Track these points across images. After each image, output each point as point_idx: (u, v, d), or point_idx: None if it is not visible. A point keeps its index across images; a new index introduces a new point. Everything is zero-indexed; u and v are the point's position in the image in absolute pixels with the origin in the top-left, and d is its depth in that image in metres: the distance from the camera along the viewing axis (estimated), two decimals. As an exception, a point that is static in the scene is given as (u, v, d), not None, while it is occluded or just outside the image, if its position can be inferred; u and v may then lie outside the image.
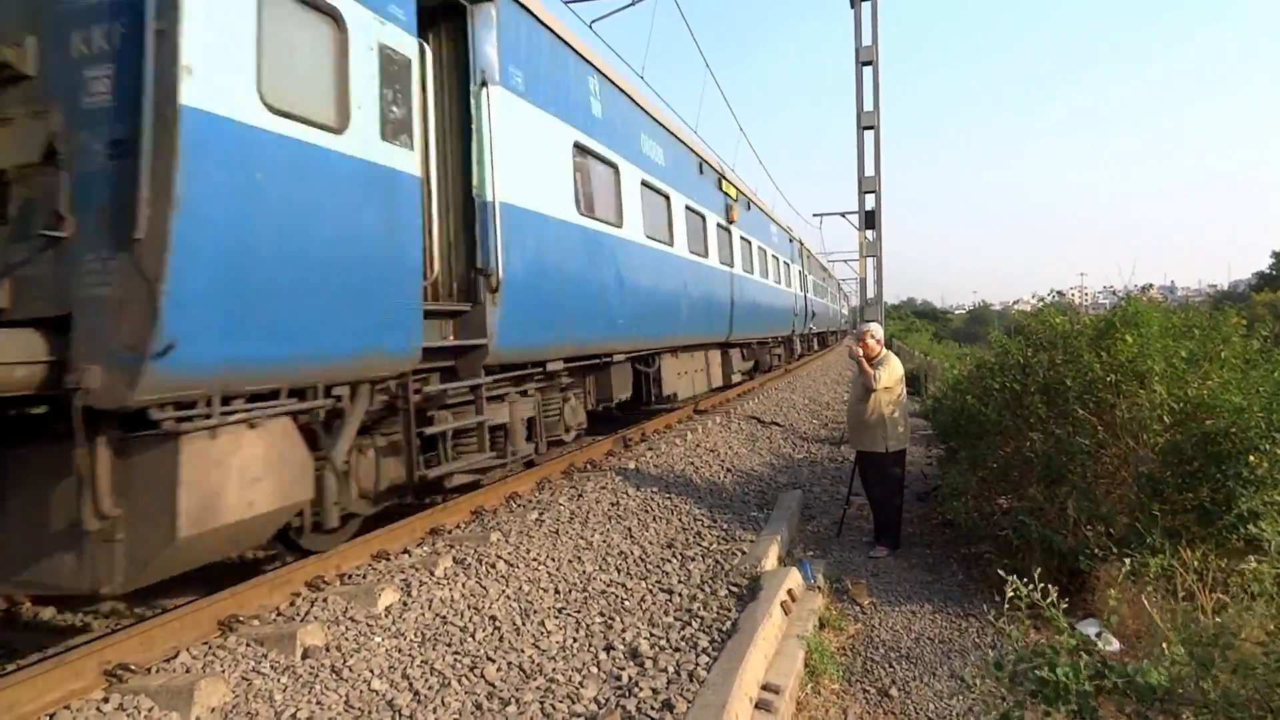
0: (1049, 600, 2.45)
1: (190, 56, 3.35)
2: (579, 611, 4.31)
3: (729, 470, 8.20)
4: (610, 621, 4.17)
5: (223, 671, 3.44)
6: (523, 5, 6.38)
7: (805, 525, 6.74)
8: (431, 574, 4.60)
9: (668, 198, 10.29)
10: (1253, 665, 2.04)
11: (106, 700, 3.16)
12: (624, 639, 3.93)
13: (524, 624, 4.12)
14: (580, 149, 7.49)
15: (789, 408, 13.80)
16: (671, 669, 3.55)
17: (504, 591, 4.51)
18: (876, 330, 6.26)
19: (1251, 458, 3.95)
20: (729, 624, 4.04)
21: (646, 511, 6.27)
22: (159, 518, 3.41)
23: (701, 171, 12.31)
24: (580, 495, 6.53)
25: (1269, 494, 3.91)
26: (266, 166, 3.77)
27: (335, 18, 4.26)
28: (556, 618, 4.22)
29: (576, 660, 3.72)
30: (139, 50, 3.32)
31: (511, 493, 6.62)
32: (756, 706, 3.30)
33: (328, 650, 3.71)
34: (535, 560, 4.99)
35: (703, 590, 4.61)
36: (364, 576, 4.65)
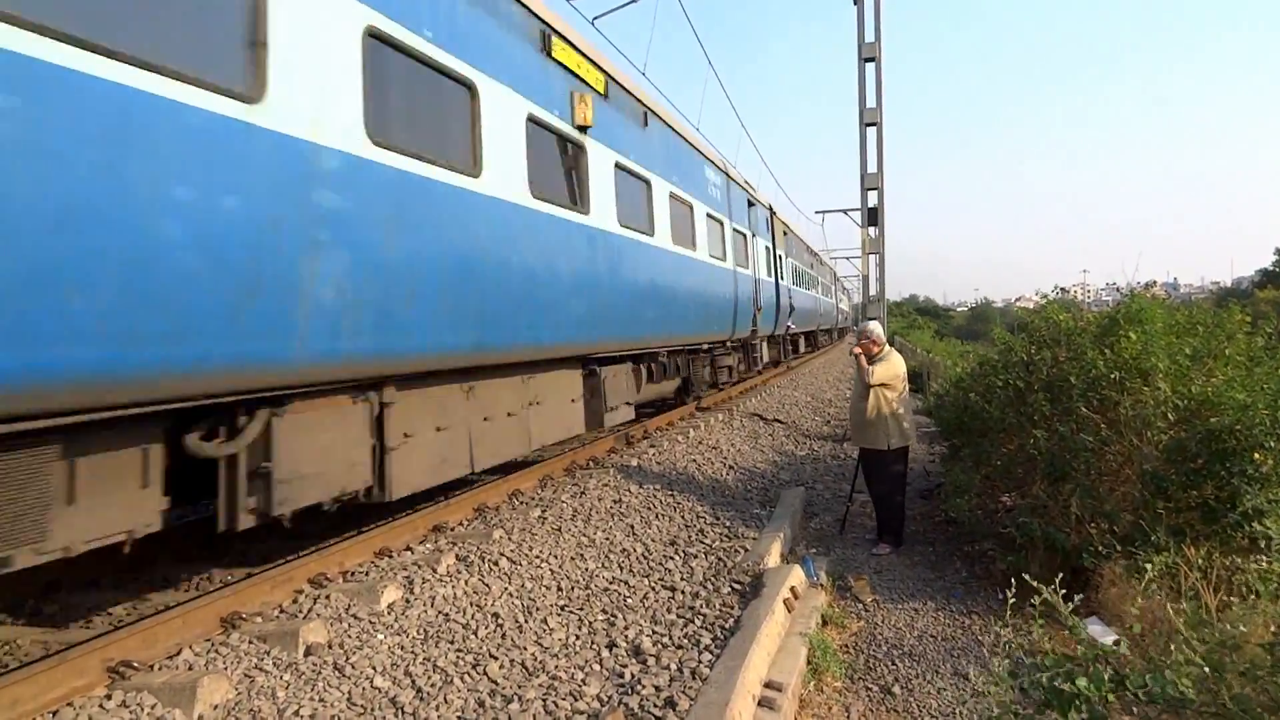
0: (1070, 608, 2.40)
1: None
2: (581, 609, 4.31)
3: (731, 467, 8.19)
4: (613, 619, 4.17)
5: (225, 669, 3.44)
6: None
7: (808, 522, 6.73)
8: (434, 571, 4.60)
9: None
10: (1260, 668, 2.02)
11: (109, 697, 3.15)
12: (626, 636, 3.93)
13: (527, 621, 4.12)
14: None
15: (791, 405, 13.80)
16: (674, 666, 3.54)
17: (506, 589, 4.51)
18: (876, 329, 6.31)
19: (1256, 455, 3.93)
20: (732, 621, 4.04)
21: (649, 509, 6.27)
22: None
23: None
24: (583, 492, 6.54)
25: (1274, 491, 3.89)
26: None
27: None
28: (559, 615, 4.22)
29: (579, 658, 3.71)
30: None
31: (514, 490, 6.63)
32: (759, 704, 3.29)
33: (330, 647, 3.71)
34: (538, 557, 5.00)
35: (705, 588, 4.60)
36: (366, 574, 4.66)
